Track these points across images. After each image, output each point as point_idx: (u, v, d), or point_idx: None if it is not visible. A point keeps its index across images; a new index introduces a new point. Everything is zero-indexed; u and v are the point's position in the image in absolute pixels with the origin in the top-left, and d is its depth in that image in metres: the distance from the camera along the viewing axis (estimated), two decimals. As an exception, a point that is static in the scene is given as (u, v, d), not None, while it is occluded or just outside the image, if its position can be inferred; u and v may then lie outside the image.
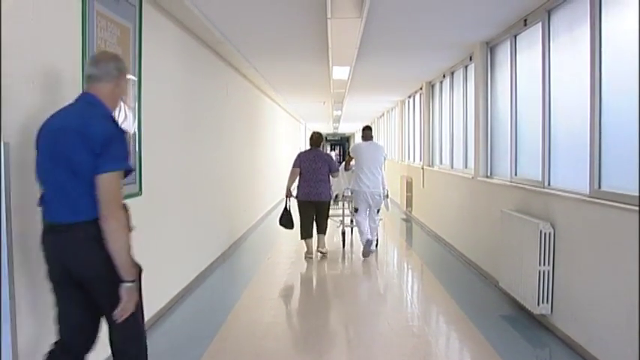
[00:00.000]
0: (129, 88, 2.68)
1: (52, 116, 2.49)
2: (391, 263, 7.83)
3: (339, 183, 8.11)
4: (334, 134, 35.44)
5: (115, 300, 2.36)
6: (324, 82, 9.76)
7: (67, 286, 2.43)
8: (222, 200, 7.45)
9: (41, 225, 2.47)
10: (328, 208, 7.46)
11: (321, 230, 7.47)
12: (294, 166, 7.34)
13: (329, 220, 7.60)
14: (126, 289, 2.36)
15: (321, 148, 7.50)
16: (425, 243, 8.95)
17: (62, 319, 2.48)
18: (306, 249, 7.36)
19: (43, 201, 2.45)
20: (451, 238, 7.97)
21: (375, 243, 7.78)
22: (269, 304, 5.33)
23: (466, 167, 7.46)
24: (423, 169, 10.35)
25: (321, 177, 7.23)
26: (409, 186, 11.75)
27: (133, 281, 2.38)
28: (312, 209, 7.28)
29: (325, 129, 30.45)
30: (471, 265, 6.75)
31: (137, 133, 4.18)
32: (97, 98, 2.51)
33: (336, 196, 8.21)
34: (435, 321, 5.07)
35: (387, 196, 7.83)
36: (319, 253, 7.45)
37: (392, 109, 15.91)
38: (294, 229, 7.44)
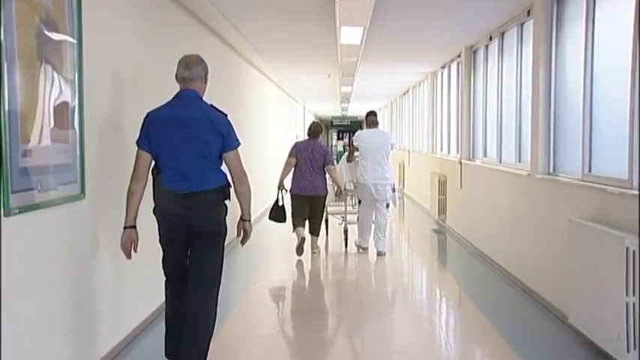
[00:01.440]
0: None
1: (169, 108, 4.21)
2: (419, 289, 8.02)
3: (341, 176, 9.05)
4: (342, 118, 35.09)
5: (218, 248, 4.27)
6: (330, 49, 9.83)
7: (180, 237, 4.21)
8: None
9: (164, 192, 4.12)
10: (324, 205, 8.80)
11: (315, 231, 8.75)
12: (290, 155, 8.62)
13: (330, 218, 8.92)
14: (249, 224, 4.38)
15: (319, 140, 8.82)
16: (463, 262, 9.04)
17: (169, 260, 4.33)
18: (297, 241, 8.53)
19: (173, 174, 4.11)
20: (499, 256, 7.97)
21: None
22: (255, 342, 5.36)
23: (520, 161, 7.49)
24: (460, 163, 10.40)
25: (317, 170, 8.54)
26: (442, 186, 11.83)
27: (250, 219, 4.40)
28: (306, 204, 8.55)
29: (331, 111, 30.48)
30: (528, 293, 6.72)
31: (78, 112, 4.08)
32: (199, 93, 4.26)
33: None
34: (480, 368, 5.12)
35: (394, 190, 9.01)
36: (313, 254, 8.76)
37: (419, 84, 16.07)
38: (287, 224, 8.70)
